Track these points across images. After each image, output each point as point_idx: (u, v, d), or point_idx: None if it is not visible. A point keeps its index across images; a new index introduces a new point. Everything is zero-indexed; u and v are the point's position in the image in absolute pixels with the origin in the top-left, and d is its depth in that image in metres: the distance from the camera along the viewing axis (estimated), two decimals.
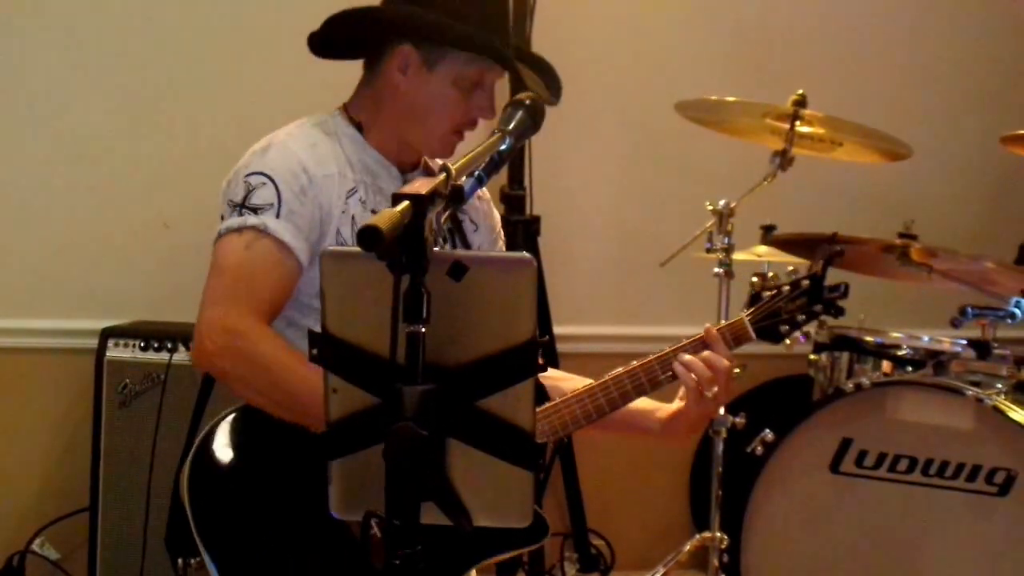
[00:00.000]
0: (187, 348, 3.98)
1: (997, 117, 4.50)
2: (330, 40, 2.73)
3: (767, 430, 3.62)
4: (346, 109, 2.75)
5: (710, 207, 3.74)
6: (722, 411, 3.70)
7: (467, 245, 2.79)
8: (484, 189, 2.89)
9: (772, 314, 2.63)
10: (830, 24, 4.76)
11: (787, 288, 2.65)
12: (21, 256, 4.26)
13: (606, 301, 4.72)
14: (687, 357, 2.56)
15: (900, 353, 3.82)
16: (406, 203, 1.72)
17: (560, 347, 4.20)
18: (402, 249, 1.71)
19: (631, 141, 4.67)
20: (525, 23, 4.30)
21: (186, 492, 2.49)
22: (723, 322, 2.68)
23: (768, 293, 2.65)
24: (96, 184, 4.28)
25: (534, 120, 2.27)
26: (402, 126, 2.68)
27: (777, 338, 2.65)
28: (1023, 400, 3.51)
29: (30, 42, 4.21)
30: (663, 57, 4.64)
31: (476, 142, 2.18)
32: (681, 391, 2.61)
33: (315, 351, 1.87)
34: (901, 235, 3.62)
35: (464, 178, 1.99)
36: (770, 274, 2.68)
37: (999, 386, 3.53)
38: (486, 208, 2.92)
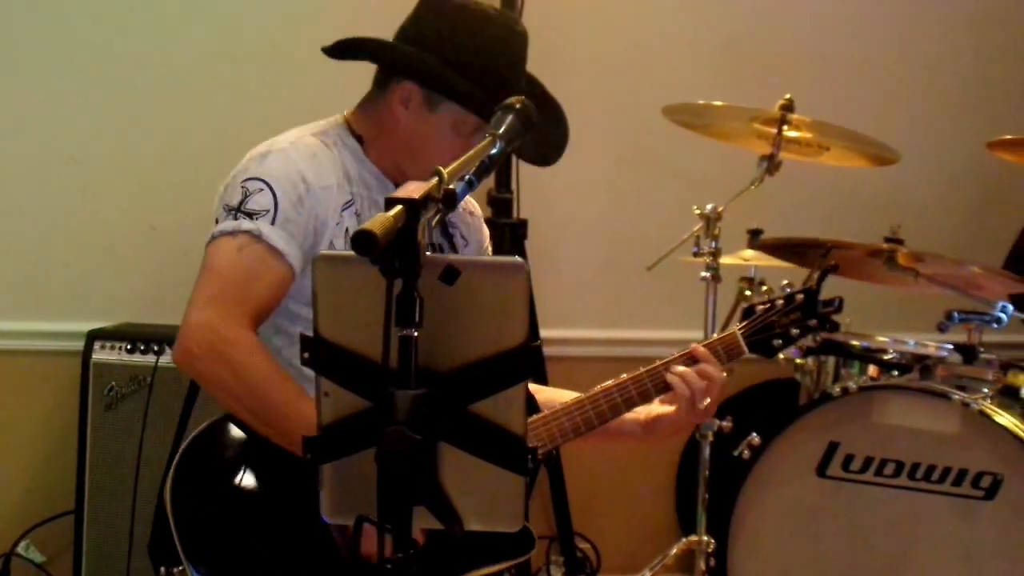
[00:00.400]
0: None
1: (983, 122, 4.52)
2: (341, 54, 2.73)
3: (754, 434, 3.62)
4: (349, 119, 2.75)
5: (697, 211, 3.75)
6: None
7: None
8: (476, 205, 2.92)
9: (765, 328, 2.63)
10: (817, 29, 4.77)
11: (781, 302, 2.65)
12: (7, 258, 4.25)
13: (593, 305, 4.73)
14: (681, 368, 2.57)
15: (886, 357, 3.83)
16: (399, 207, 1.73)
17: (547, 350, 4.20)
18: (395, 253, 1.71)
19: (618, 145, 4.68)
20: None
21: (169, 502, 2.48)
22: (715, 335, 2.68)
23: (762, 307, 2.65)
24: (83, 186, 4.27)
25: (524, 124, 2.27)
26: (399, 154, 2.68)
27: (770, 352, 2.65)
28: (1009, 404, 3.52)
29: (19, 44, 4.20)
30: (651, 61, 4.64)
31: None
32: (665, 396, 2.62)
33: (307, 354, 1.88)
34: (888, 239, 3.63)
35: (455, 182, 1.99)
36: (764, 287, 2.69)
37: (985, 390, 3.54)
38: (477, 224, 2.92)
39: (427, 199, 1.77)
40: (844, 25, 4.80)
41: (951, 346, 3.72)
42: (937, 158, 4.81)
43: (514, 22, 2.75)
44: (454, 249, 2.78)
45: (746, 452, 3.63)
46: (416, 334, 1.75)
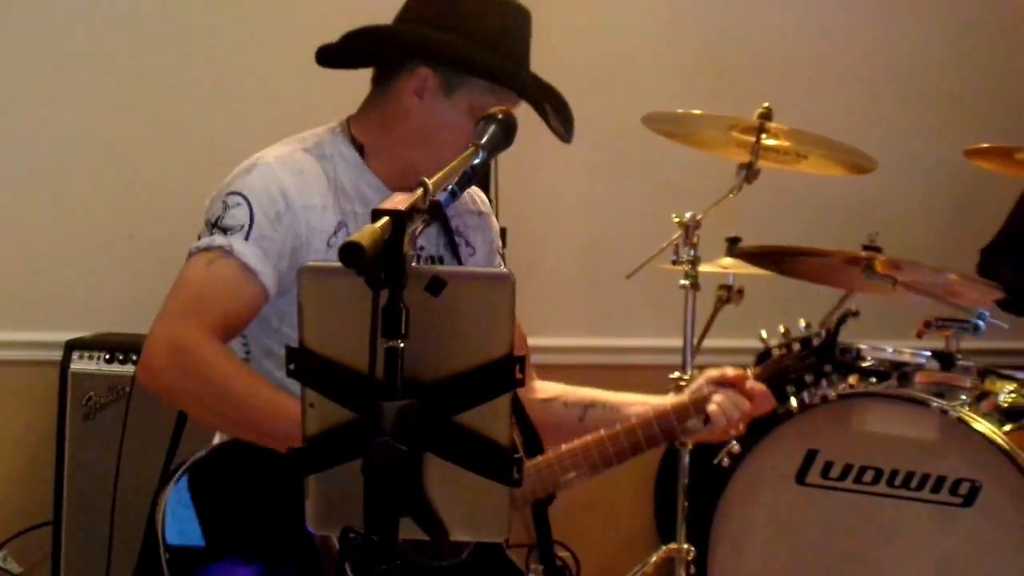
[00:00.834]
0: None
1: (961, 131, 4.54)
2: (342, 54, 2.67)
3: (734, 441, 3.63)
4: (349, 126, 2.68)
5: (676, 219, 3.75)
6: None
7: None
8: (484, 201, 2.86)
9: (780, 373, 2.61)
10: (795, 39, 4.79)
11: (798, 346, 2.62)
12: None
13: (572, 312, 4.73)
14: (719, 397, 2.58)
15: (864, 365, 3.83)
16: (385, 219, 1.73)
17: None
18: (381, 265, 1.71)
19: (598, 153, 4.68)
20: None
21: (161, 532, 2.46)
22: (728, 369, 2.67)
23: (778, 351, 2.62)
24: (60, 195, 4.27)
25: (507, 134, 2.27)
26: (409, 149, 2.61)
27: (782, 398, 2.63)
28: (987, 411, 3.54)
29: None
30: (630, 71, 4.65)
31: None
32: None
33: (292, 366, 1.87)
34: (866, 247, 3.64)
35: (440, 193, 1.99)
36: (781, 329, 2.64)
37: (963, 397, 3.56)
38: (485, 223, 2.85)
39: (413, 210, 1.78)
40: (822, 34, 4.82)
41: (929, 353, 3.73)
42: (915, 166, 4.83)
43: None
44: (458, 260, 2.72)
45: (726, 460, 3.64)
46: (402, 345, 1.76)
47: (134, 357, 3.96)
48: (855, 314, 2.73)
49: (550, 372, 3.05)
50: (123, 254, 4.29)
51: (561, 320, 4.70)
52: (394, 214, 1.74)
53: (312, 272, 1.89)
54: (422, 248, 2.64)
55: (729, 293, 3.91)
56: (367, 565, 1.76)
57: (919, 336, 3.73)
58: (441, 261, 2.70)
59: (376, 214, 1.74)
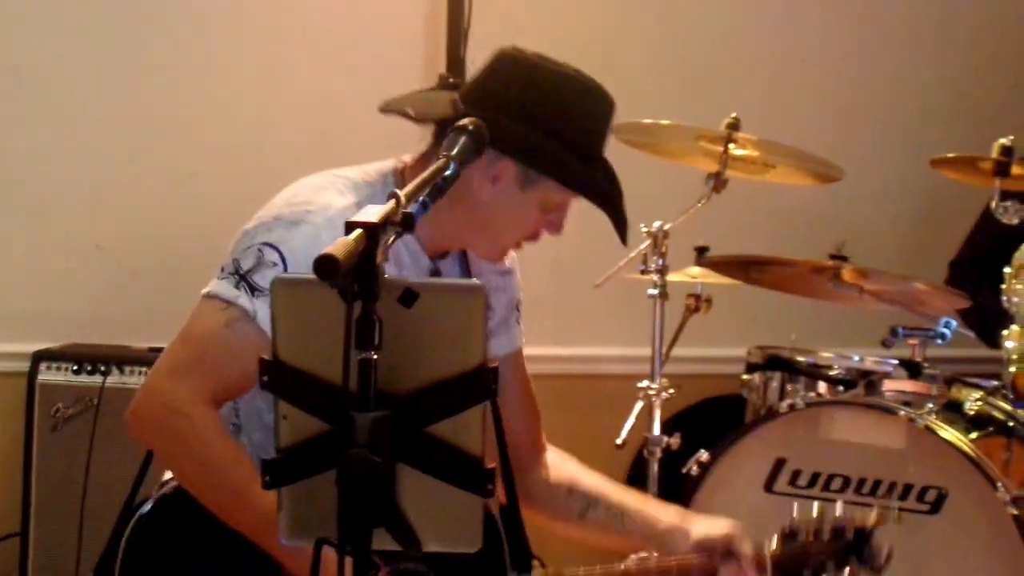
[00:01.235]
0: (120, 371, 3.96)
1: (927, 140, 4.58)
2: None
3: (703, 450, 3.65)
4: (402, 175, 2.54)
5: (644, 229, 3.76)
6: (657, 431, 3.72)
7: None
8: (513, 256, 2.76)
9: (800, 559, 2.55)
10: (763, 49, 4.82)
11: (827, 536, 2.54)
12: None
13: (540, 322, 4.70)
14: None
15: (832, 373, 3.87)
16: (359, 231, 1.74)
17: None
18: (355, 277, 1.72)
19: None
20: (459, 45, 4.33)
21: (123, 546, 2.46)
22: (744, 549, 2.62)
23: (807, 536, 2.55)
24: (27, 205, 4.25)
25: (477, 146, 2.27)
26: (466, 228, 2.53)
27: None
28: (953, 419, 3.56)
29: None
30: (597, 79, 4.65)
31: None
32: None
33: (265, 378, 1.88)
34: (833, 256, 3.67)
35: (412, 204, 1.99)
36: (816, 511, 2.58)
37: (930, 405, 3.58)
38: (508, 283, 2.77)
39: (386, 223, 1.78)
40: (790, 44, 4.85)
41: (896, 361, 3.76)
42: (881, 175, 4.86)
43: (600, 86, 2.60)
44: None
45: (695, 468, 3.65)
46: (375, 357, 1.76)
47: (102, 368, 3.95)
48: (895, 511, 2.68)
49: None
50: (91, 265, 4.28)
51: (529, 329, 4.67)
52: (367, 226, 1.75)
53: (285, 284, 1.89)
54: None
55: (697, 302, 3.93)
56: None
57: (886, 345, 3.75)
58: None
59: (349, 226, 1.75)
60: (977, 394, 3.69)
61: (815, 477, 3.55)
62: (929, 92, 4.95)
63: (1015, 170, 3.56)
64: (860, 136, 4.84)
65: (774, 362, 3.94)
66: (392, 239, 1.84)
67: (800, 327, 4.05)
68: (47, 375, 3.98)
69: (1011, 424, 3.59)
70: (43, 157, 4.24)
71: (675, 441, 3.75)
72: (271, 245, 2.42)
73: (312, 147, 4.43)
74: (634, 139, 3.93)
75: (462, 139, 2.23)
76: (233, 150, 4.38)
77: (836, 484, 3.53)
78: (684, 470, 3.66)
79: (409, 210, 1.88)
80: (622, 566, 2.67)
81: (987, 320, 3.85)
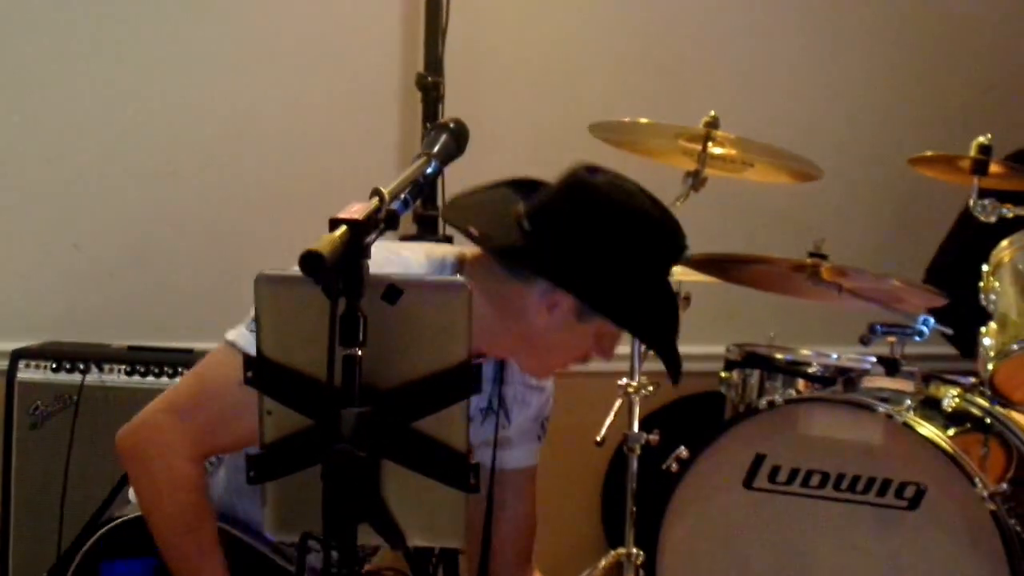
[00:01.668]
0: (99, 369, 3.96)
1: (905, 139, 4.59)
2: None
3: (682, 447, 3.66)
4: (463, 267, 2.47)
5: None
6: (636, 428, 3.73)
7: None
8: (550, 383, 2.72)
9: None
10: (741, 48, 4.83)
11: None
12: None
13: None
14: None
15: (810, 370, 3.88)
16: (344, 228, 1.74)
17: None
18: (339, 273, 1.72)
19: (544, 162, 4.61)
20: (437, 44, 4.33)
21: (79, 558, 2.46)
22: None
23: None
24: (3, 205, 4.24)
25: (458, 144, 2.28)
26: (517, 346, 2.49)
27: None
28: (931, 416, 3.58)
29: None
30: (577, 79, 4.68)
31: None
32: None
33: (249, 373, 1.88)
34: (811, 254, 3.68)
35: (394, 202, 2.00)
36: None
37: (908, 402, 3.60)
38: (536, 398, 2.70)
39: (370, 219, 1.79)
40: (768, 43, 4.86)
41: (874, 359, 3.78)
42: (859, 174, 4.88)
43: (670, 221, 2.52)
44: (495, 425, 2.61)
45: (674, 465, 3.66)
46: (360, 353, 1.77)
47: (81, 366, 3.94)
48: None
49: None
50: (69, 264, 4.27)
51: None
52: (352, 223, 1.75)
53: (269, 281, 1.89)
54: None
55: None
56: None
57: (864, 342, 3.77)
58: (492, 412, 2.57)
59: (334, 223, 1.76)
60: (955, 391, 3.71)
61: (794, 473, 3.57)
62: (907, 91, 4.97)
63: (993, 168, 3.58)
64: (838, 135, 4.86)
65: (753, 359, 3.95)
66: (375, 236, 1.85)
67: (779, 325, 4.06)
68: (26, 373, 3.97)
69: (988, 420, 3.61)
70: (18, 156, 4.23)
71: (654, 438, 3.76)
72: None
73: (290, 147, 4.44)
74: (612, 137, 3.94)
75: (443, 137, 2.24)
76: (211, 149, 4.38)
77: (815, 480, 3.55)
78: (663, 467, 3.67)
79: (392, 208, 1.89)
80: None
81: (966, 325, 3.86)
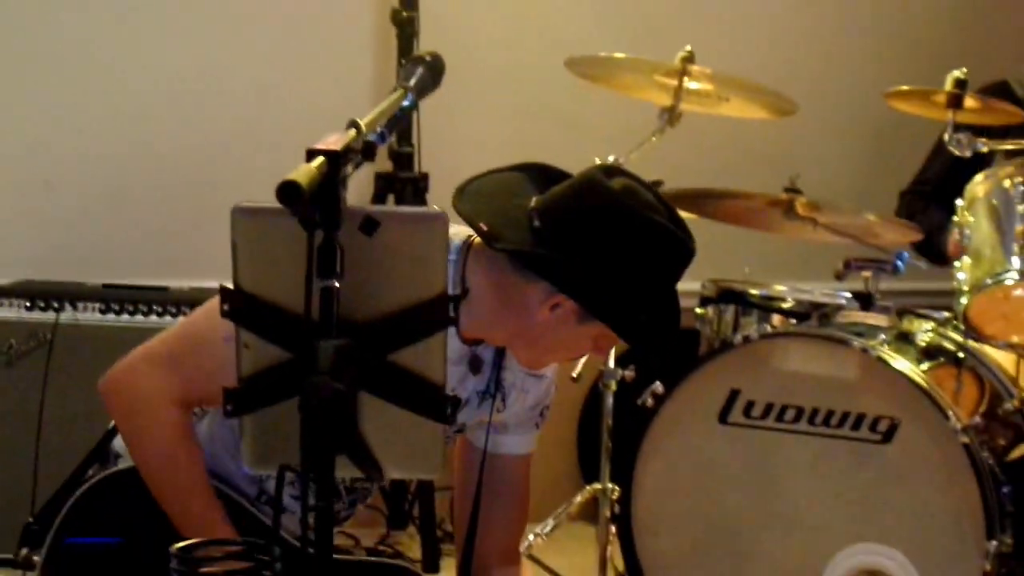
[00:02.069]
0: (73, 307, 3.94)
1: (880, 73, 4.59)
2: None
3: (657, 382, 3.67)
4: (467, 257, 2.40)
5: (599, 162, 3.77)
6: (612, 363, 3.74)
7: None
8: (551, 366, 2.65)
9: None
10: None
11: None
12: None
13: None
14: None
15: (785, 306, 3.89)
16: (321, 159, 1.73)
17: None
18: (317, 205, 1.72)
19: (521, 98, 4.69)
20: (411, 36, 4.34)
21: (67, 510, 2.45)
22: None
23: None
24: None
25: (434, 77, 2.26)
26: (516, 339, 2.44)
27: None
28: (905, 350, 3.60)
29: None
30: (552, 14, 4.66)
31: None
32: None
33: (227, 306, 1.88)
34: (787, 189, 3.69)
35: (371, 134, 1.99)
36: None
37: (882, 336, 3.61)
38: (536, 387, 2.63)
39: (348, 150, 1.78)
40: None
41: (849, 294, 3.79)
42: (835, 109, 4.88)
43: (681, 232, 2.41)
44: (488, 409, 2.56)
45: (649, 400, 3.67)
46: (337, 285, 1.76)
47: (55, 304, 3.93)
48: None
49: None
50: (40, 202, 4.26)
51: None
52: (329, 154, 1.74)
53: (246, 212, 1.88)
54: (453, 389, 2.42)
55: None
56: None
57: (839, 277, 3.78)
58: (465, 403, 2.51)
59: (311, 153, 1.75)
60: (929, 325, 3.72)
61: (769, 408, 3.58)
62: (883, 25, 4.96)
63: (968, 103, 3.57)
64: (814, 69, 4.85)
65: (728, 295, 3.95)
66: (352, 169, 1.84)
67: (754, 260, 4.06)
68: None
69: (961, 355, 3.62)
70: None
71: (630, 374, 3.77)
72: None
73: (265, 83, 4.43)
74: (588, 72, 3.93)
75: (419, 70, 2.23)
76: (185, 85, 4.37)
77: (790, 415, 3.56)
78: (639, 402, 3.68)
79: (370, 139, 1.88)
80: None
81: (931, 236, 3.87)
